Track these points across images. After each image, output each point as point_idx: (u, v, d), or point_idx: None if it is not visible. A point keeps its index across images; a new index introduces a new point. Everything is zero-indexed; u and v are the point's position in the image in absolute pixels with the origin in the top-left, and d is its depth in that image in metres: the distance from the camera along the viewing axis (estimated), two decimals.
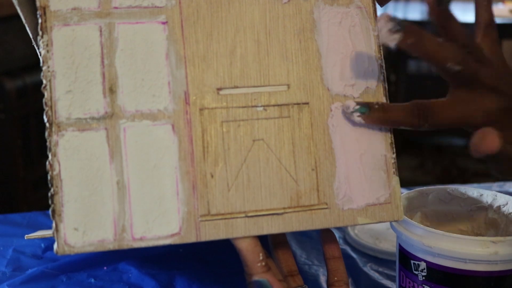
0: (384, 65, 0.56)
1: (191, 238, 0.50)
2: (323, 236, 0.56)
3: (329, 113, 0.54)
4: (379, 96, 0.55)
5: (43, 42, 0.50)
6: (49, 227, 0.50)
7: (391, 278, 0.74)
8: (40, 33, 0.50)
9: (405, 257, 0.55)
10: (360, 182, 0.54)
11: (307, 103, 0.54)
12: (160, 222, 0.50)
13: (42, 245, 0.80)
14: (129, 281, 0.72)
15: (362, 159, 0.54)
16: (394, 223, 0.55)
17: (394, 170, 0.55)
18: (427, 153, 3.25)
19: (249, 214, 0.51)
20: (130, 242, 0.50)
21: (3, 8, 1.84)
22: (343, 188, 0.54)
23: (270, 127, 0.53)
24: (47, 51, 0.50)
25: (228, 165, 0.52)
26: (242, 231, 0.51)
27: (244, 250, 0.51)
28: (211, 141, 0.52)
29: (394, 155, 0.55)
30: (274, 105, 0.53)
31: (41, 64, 0.50)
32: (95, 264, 0.75)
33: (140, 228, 0.50)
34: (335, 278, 0.55)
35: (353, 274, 0.75)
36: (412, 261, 0.54)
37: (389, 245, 0.80)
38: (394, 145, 0.55)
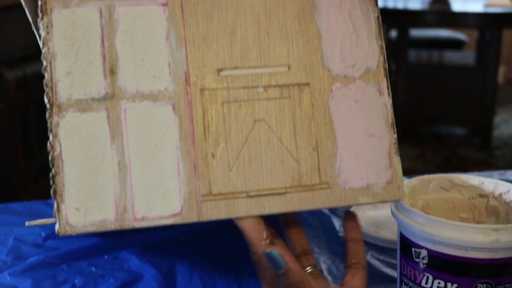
0: (384, 46, 0.56)
1: (193, 218, 0.50)
2: (346, 218, 0.55)
3: (330, 94, 0.54)
4: (379, 76, 0.55)
5: (43, 24, 0.50)
6: (50, 217, 0.50)
7: (392, 266, 0.74)
8: (40, 15, 0.50)
9: (406, 245, 0.55)
10: (361, 162, 0.54)
11: (308, 84, 0.54)
12: (161, 202, 0.50)
13: (43, 233, 0.79)
14: (129, 270, 0.72)
15: (363, 139, 0.54)
16: (395, 211, 0.55)
17: (395, 150, 0.55)
18: (428, 142, 3.25)
19: (251, 194, 0.51)
20: (132, 222, 0.50)
21: None
22: (344, 168, 0.53)
23: (271, 107, 0.53)
24: (47, 33, 0.50)
25: (229, 145, 0.52)
26: (243, 211, 0.51)
27: (247, 229, 0.51)
28: (212, 122, 0.52)
29: (395, 135, 0.55)
30: (274, 86, 0.53)
31: (41, 46, 0.50)
32: (95, 253, 0.75)
33: (141, 208, 0.50)
34: (353, 260, 0.54)
35: None
36: (413, 249, 0.54)
37: (390, 233, 0.80)
38: (395, 125, 0.55)
